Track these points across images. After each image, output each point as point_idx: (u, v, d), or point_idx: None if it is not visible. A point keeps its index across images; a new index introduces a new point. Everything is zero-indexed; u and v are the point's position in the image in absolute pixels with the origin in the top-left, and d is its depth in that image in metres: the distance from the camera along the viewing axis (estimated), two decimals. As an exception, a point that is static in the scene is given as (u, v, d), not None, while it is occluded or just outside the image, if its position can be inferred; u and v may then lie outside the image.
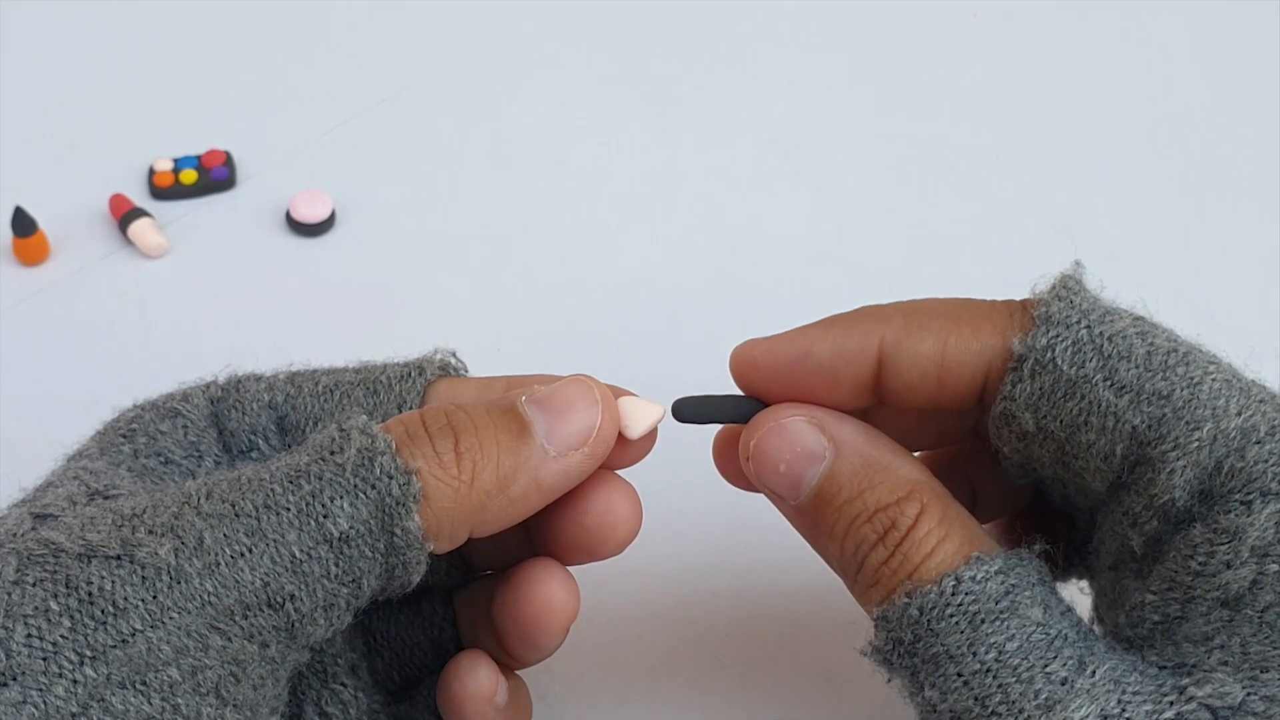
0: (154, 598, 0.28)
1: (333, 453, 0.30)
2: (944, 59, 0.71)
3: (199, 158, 0.61)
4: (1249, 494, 0.30)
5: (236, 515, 0.29)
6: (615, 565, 0.46)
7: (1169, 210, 0.62)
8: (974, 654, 0.29)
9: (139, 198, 0.60)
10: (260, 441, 0.36)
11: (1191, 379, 0.31)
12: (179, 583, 0.28)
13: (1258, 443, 0.30)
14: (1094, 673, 0.29)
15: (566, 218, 0.61)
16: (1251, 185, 0.63)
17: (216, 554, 0.28)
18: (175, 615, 0.28)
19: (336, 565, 0.30)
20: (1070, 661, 0.29)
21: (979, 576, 0.30)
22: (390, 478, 0.30)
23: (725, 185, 0.63)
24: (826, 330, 0.35)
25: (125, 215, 0.58)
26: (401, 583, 0.31)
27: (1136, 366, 0.32)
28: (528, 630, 0.35)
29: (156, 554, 0.28)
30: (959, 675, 0.30)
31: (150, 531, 0.29)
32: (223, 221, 0.60)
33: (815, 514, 0.33)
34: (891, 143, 0.65)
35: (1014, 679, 0.29)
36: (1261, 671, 0.29)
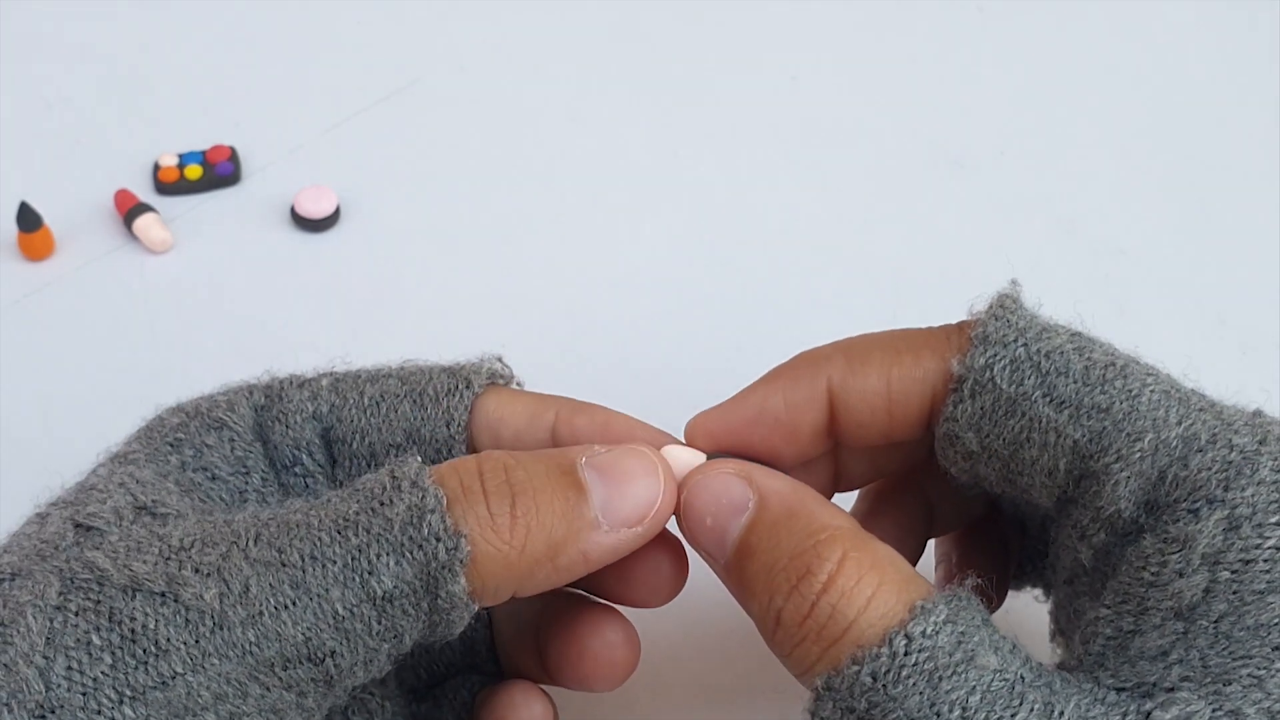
0: (196, 642, 0.27)
1: (382, 504, 0.29)
2: (948, 54, 0.70)
3: (204, 153, 0.61)
4: (1195, 502, 0.30)
5: (283, 565, 0.28)
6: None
7: (1175, 206, 0.62)
8: (937, 714, 0.28)
9: (144, 193, 0.60)
10: (304, 456, 0.35)
11: (1130, 391, 0.31)
12: (221, 629, 0.28)
13: (1199, 450, 0.30)
14: (1062, 713, 0.28)
15: (573, 214, 0.61)
16: (1259, 181, 0.63)
17: (261, 604, 0.28)
18: (216, 661, 0.27)
19: (379, 623, 0.29)
20: (1036, 705, 0.28)
21: (929, 630, 0.28)
22: (438, 539, 0.29)
23: (731, 182, 0.63)
24: (773, 384, 0.35)
25: (130, 210, 0.58)
26: (444, 634, 0.31)
27: (1074, 381, 0.32)
28: (586, 679, 0.35)
29: (202, 597, 0.28)
30: None
31: (196, 570, 0.28)
32: (227, 217, 0.60)
33: (738, 569, 0.32)
34: (896, 139, 0.65)
35: None
36: (1224, 685, 0.28)
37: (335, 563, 0.28)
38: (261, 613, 0.28)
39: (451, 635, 0.31)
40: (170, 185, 0.60)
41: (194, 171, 0.60)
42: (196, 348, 0.54)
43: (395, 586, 0.29)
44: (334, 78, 0.67)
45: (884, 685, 0.28)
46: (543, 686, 0.37)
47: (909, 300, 0.57)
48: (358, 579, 0.28)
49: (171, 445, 0.34)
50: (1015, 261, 0.58)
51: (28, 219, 0.56)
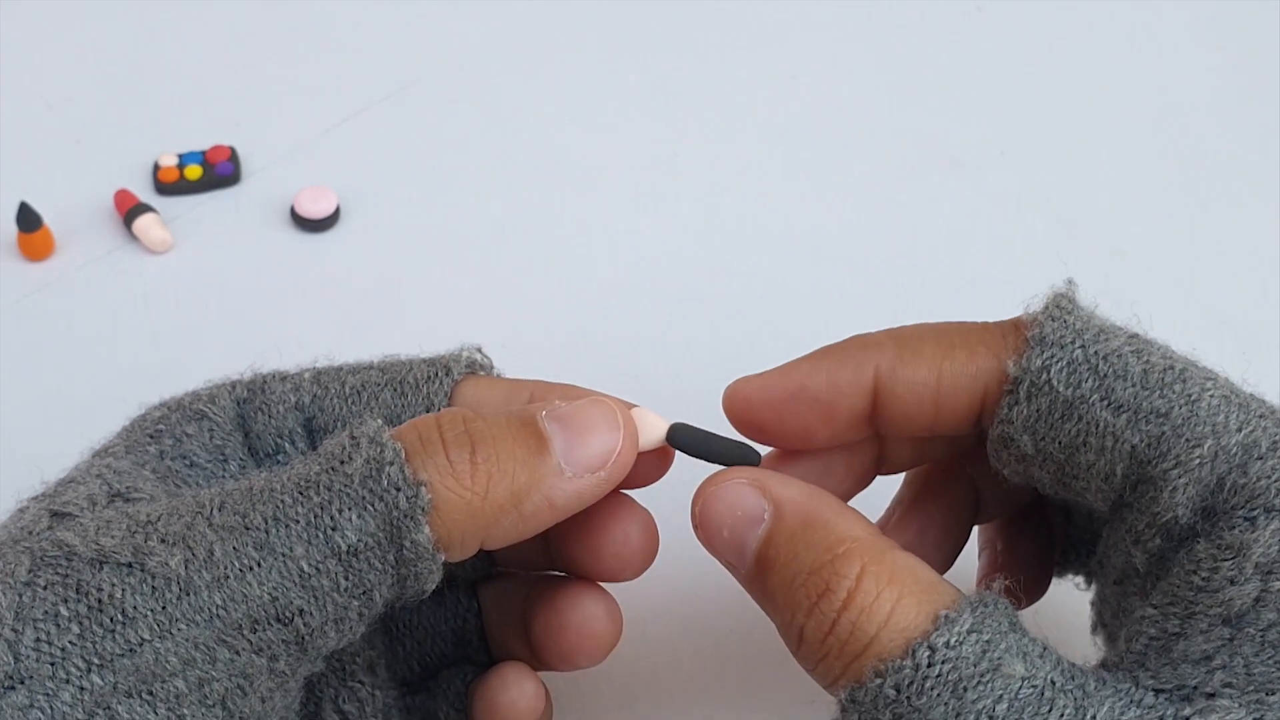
0: (163, 608, 0.28)
1: (342, 462, 0.30)
2: (947, 54, 0.70)
3: (204, 153, 0.61)
4: (1253, 510, 0.29)
5: (246, 528, 0.29)
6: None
7: (1174, 206, 0.62)
8: None
9: (144, 193, 0.60)
10: (287, 444, 0.36)
11: (1189, 395, 0.31)
12: (188, 594, 0.28)
13: (1259, 458, 0.30)
14: (1094, 717, 0.28)
15: (572, 213, 0.61)
16: (1257, 181, 0.63)
17: (225, 567, 0.28)
18: (183, 627, 0.28)
19: (346, 579, 0.29)
20: (1066, 711, 0.28)
21: (952, 640, 0.28)
22: (398, 489, 0.29)
23: (731, 181, 0.63)
24: (819, 362, 0.34)
25: (130, 211, 0.58)
26: (415, 591, 0.31)
27: (1133, 385, 0.31)
28: (569, 653, 0.35)
29: (167, 564, 0.28)
30: None
31: (162, 540, 0.29)
32: (227, 217, 0.60)
33: (759, 580, 0.32)
34: (897, 139, 0.65)
35: None
36: (1267, 694, 0.28)
37: (298, 522, 0.29)
38: (227, 575, 0.28)
39: (423, 593, 0.31)
40: (170, 185, 0.60)
41: (194, 171, 0.60)
42: (196, 348, 0.54)
43: (359, 540, 0.29)
44: (334, 78, 0.67)
45: (908, 697, 0.28)
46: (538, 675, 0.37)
47: (909, 300, 0.57)
48: (321, 535, 0.29)
49: (151, 437, 0.35)
50: (1015, 261, 0.58)
51: (28, 219, 0.56)
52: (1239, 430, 0.30)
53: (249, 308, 0.56)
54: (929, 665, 0.28)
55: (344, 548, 0.29)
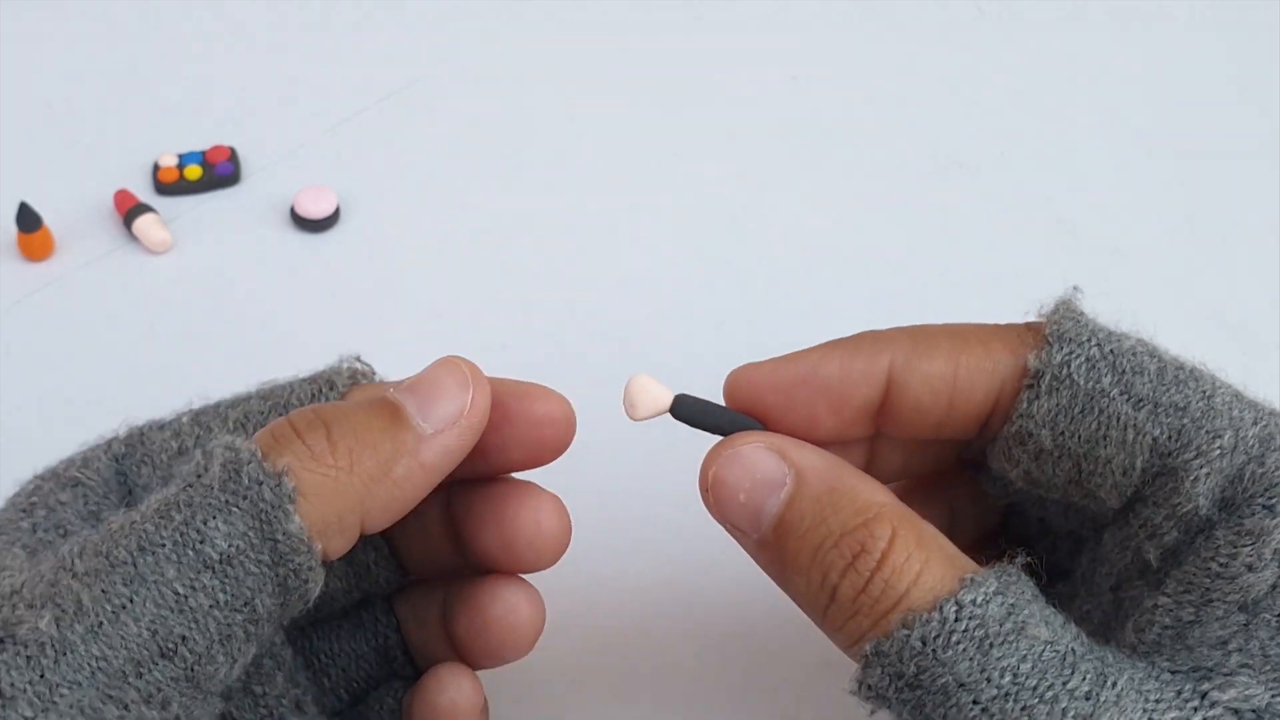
0: (41, 677, 0.26)
1: (199, 475, 0.29)
2: (948, 54, 0.70)
3: (204, 153, 0.61)
4: (1271, 498, 0.30)
5: (112, 566, 0.28)
6: (618, 562, 0.46)
7: (1174, 206, 0.62)
8: (988, 679, 0.28)
9: (144, 193, 0.60)
10: None
11: (1204, 391, 0.32)
12: (64, 654, 0.27)
13: (1276, 450, 0.31)
14: (1115, 684, 0.28)
15: (573, 213, 0.61)
16: (1256, 181, 0.63)
17: (97, 613, 0.27)
18: (66, 692, 0.26)
19: (223, 591, 0.28)
20: (1089, 675, 0.28)
21: (979, 600, 0.29)
22: (260, 483, 0.29)
23: (732, 182, 0.63)
24: (831, 351, 0.34)
25: (130, 211, 0.58)
26: (300, 594, 0.30)
27: (1151, 380, 0.32)
28: (495, 648, 0.35)
29: (37, 628, 0.27)
30: (975, 703, 0.28)
31: (29, 605, 0.27)
32: (227, 217, 0.60)
33: (778, 545, 0.32)
34: (896, 139, 0.65)
35: (1036, 700, 0.28)
36: None
37: (164, 545, 0.28)
38: (100, 621, 0.27)
39: (308, 594, 0.30)
40: (170, 185, 0.60)
41: (194, 172, 0.60)
42: (196, 348, 0.54)
43: (229, 545, 0.28)
44: (334, 78, 0.67)
45: (934, 650, 0.29)
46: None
47: (909, 300, 0.57)
48: (191, 552, 0.28)
49: (24, 511, 0.33)
50: (1015, 261, 0.58)
51: (28, 219, 0.56)
52: (1254, 424, 0.31)
53: (249, 308, 0.56)
54: (956, 620, 0.29)
55: (215, 557, 0.28)
